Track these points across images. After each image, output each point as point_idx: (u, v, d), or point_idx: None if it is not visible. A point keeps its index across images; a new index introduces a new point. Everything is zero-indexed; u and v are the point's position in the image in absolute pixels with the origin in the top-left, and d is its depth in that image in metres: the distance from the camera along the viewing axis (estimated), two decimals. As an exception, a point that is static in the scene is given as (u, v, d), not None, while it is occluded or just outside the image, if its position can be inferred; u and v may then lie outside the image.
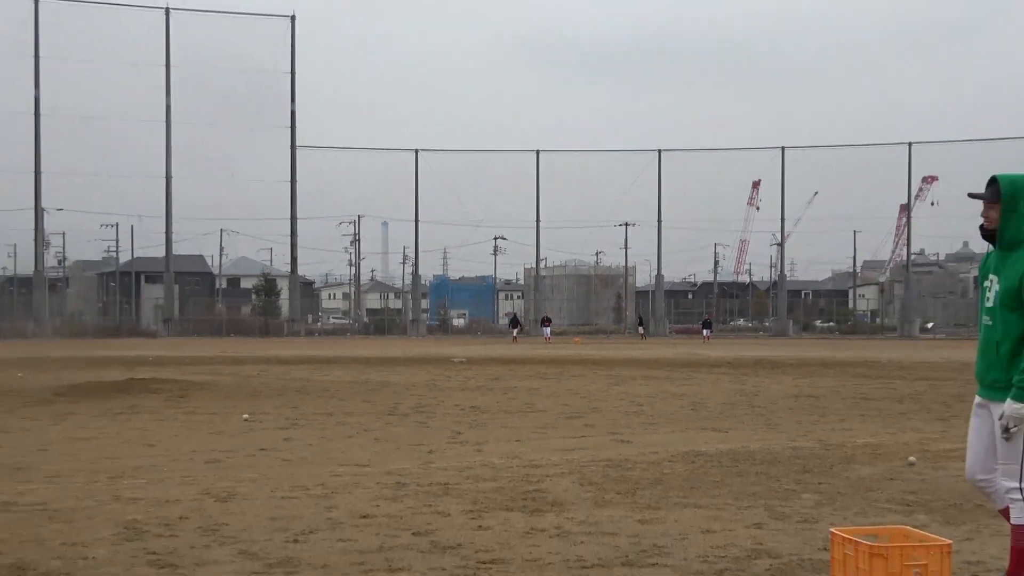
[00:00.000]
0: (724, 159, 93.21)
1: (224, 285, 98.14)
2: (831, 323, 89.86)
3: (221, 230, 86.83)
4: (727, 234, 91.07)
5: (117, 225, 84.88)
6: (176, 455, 10.52)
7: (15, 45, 67.19)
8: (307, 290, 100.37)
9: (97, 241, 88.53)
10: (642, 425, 13.41)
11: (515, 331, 62.44)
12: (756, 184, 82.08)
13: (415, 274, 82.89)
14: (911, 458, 9.93)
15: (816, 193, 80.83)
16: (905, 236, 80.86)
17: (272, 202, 76.46)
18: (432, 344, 53.50)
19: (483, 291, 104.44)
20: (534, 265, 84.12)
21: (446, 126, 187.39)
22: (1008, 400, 4.97)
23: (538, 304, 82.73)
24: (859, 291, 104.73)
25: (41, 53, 67.39)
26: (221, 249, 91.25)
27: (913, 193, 77.55)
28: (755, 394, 18.47)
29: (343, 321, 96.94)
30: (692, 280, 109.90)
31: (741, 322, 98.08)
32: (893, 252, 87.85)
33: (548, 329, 62.43)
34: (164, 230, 71.84)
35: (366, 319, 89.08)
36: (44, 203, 68.96)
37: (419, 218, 78.53)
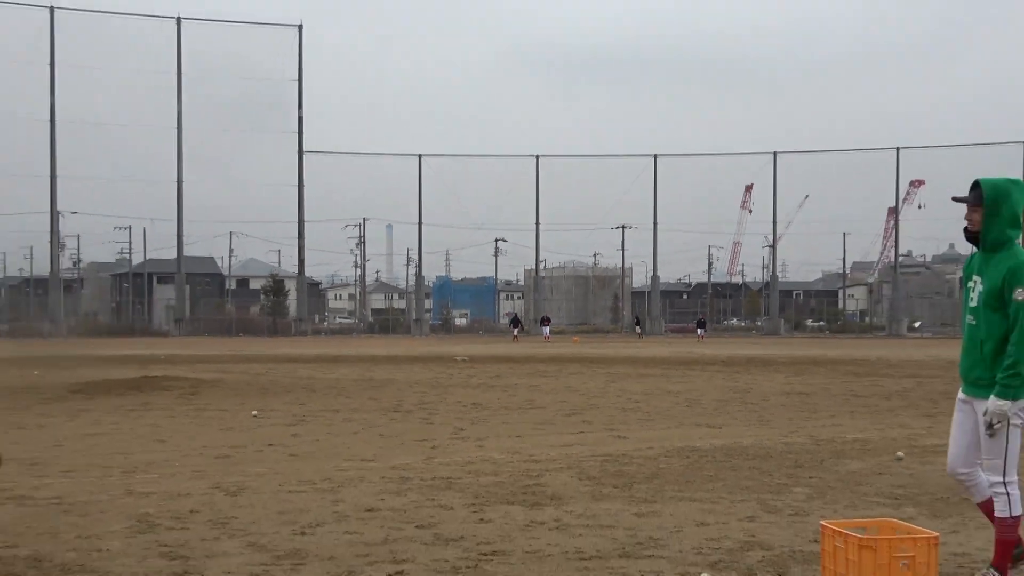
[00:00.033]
0: (718, 164, 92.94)
1: (233, 286, 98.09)
2: (821, 322, 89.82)
3: (231, 232, 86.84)
4: (721, 236, 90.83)
5: (130, 228, 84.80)
6: (187, 450, 10.52)
7: (32, 55, 67.13)
8: (314, 291, 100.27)
9: (111, 243, 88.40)
10: (638, 421, 13.40)
11: (516, 330, 62.40)
12: (749, 188, 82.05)
13: (418, 275, 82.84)
14: (899, 453, 9.92)
15: (807, 197, 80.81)
16: (893, 238, 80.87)
17: (280, 205, 76.27)
18: (435, 343, 53.49)
19: (484, 291, 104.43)
20: (534, 266, 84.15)
21: (449, 132, 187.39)
22: (992, 397, 4.98)
23: (538, 304, 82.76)
24: (848, 291, 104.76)
25: (56, 62, 67.46)
26: (231, 251, 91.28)
27: (901, 197, 77.65)
28: (748, 391, 18.46)
29: (349, 321, 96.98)
30: (687, 281, 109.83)
31: (734, 322, 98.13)
32: (881, 254, 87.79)
33: (547, 328, 62.36)
34: (175, 233, 71.84)
35: (371, 319, 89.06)
36: (59, 207, 68.90)
37: (422, 221, 78.55)
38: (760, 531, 6.46)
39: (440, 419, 13.69)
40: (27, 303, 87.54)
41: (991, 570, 5.11)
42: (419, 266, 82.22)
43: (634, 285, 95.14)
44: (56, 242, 70.56)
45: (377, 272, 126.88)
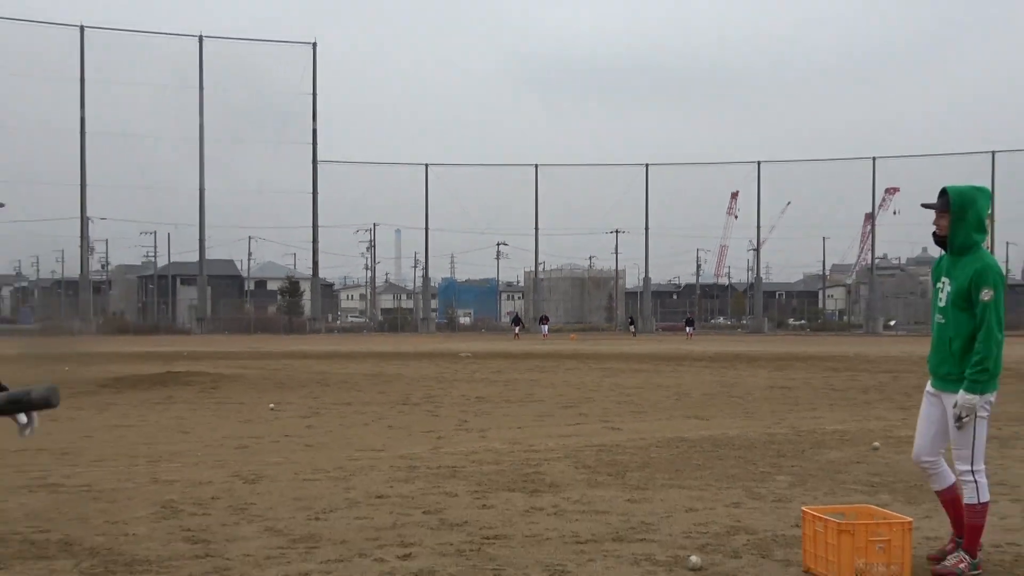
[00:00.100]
0: (705, 172, 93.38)
1: (252, 287, 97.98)
2: (803, 321, 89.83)
3: (249, 237, 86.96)
4: (708, 240, 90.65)
5: (155, 233, 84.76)
6: (209, 441, 10.53)
7: (63, 70, 67.20)
8: (327, 291, 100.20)
9: (137, 247, 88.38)
10: (631, 414, 13.40)
11: (517, 329, 62.36)
12: (734, 195, 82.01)
13: (425, 277, 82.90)
14: (875, 443, 9.93)
15: (789, 203, 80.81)
16: (870, 242, 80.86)
17: (296, 212, 76.16)
18: (441, 340, 53.46)
19: (487, 292, 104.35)
20: (533, 268, 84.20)
21: (454, 142, 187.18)
22: (961, 392, 4.98)
23: (537, 304, 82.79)
24: (828, 292, 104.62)
25: (86, 77, 67.53)
26: (249, 254, 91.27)
27: (877, 203, 77.58)
28: (734, 385, 18.45)
29: (360, 319, 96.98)
30: (676, 282, 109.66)
31: (721, 320, 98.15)
32: (859, 256, 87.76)
33: (546, 327, 62.29)
34: (198, 237, 71.93)
35: (381, 318, 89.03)
36: (89, 213, 69.00)
37: (429, 226, 78.61)
38: (745, 516, 6.46)
39: (445, 412, 13.69)
40: (59, 303, 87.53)
41: (962, 552, 5.10)
42: (426, 268, 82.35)
43: (627, 286, 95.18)
44: (86, 246, 70.63)
45: (387, 274, 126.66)
